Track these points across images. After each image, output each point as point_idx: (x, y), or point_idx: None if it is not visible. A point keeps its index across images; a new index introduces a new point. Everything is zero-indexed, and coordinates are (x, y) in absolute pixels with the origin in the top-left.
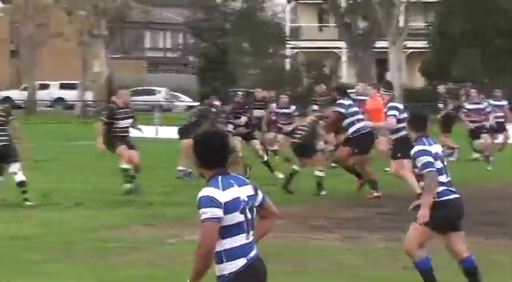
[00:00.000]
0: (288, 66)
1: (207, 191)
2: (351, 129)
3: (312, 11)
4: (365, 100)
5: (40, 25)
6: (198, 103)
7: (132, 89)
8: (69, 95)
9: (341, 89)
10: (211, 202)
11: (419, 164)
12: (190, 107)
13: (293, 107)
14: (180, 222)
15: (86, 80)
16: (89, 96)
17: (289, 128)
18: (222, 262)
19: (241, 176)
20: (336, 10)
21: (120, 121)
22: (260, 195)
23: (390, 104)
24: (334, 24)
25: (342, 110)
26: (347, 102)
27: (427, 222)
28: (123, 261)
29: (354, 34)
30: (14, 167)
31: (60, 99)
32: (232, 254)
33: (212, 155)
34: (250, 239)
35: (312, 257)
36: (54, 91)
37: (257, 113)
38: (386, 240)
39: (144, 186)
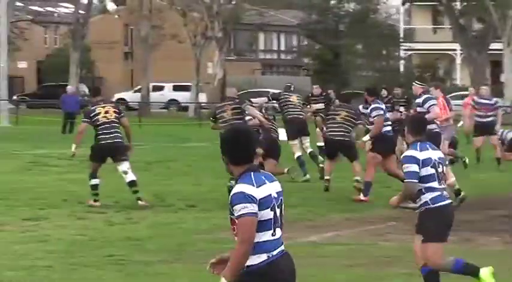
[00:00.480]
0: (402, 68)
1: (241, 187)
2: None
3: (426, 13)
4: (490, 103)
5: (154, 27)
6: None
7: (245, 91)
8: (183, 96)
9: (372, 91)
10: (248, 198)
11: (404, 170)
12: None
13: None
14: (292, 224)
15: (199, 81)
16: (203, 98)
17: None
18: None
19: (269, 173)
20: (451, 12)
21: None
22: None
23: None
24: (449, 26)
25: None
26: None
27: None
28: None
29: (468, 36)
30: (124, 166)
31: (173, 101)
32: (254, 249)
33: (242, 151)
34: (277, 236)
35: None
36: (168, 93)
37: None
38: (503, 242)
39: None
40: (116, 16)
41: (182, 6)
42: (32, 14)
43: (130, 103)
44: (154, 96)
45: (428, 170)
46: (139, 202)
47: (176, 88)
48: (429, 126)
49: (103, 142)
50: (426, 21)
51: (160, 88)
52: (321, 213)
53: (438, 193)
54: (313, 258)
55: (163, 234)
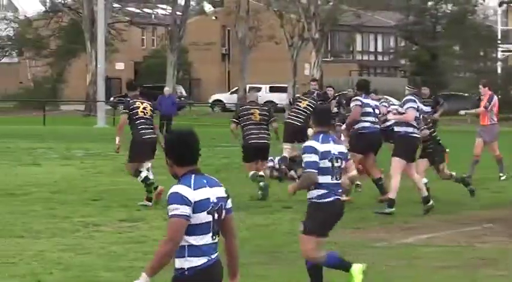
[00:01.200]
0: (499, 70)
1: (178, 188)
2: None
3: None
4: None
5: (251, 28)
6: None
7: (342, 92)
8: (279, 97)
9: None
10: (182, 199)
11: (303, 160)
12: None
13: None
14: (388, 226)
15: (296, 83)
16: None
17: None
18: (183, 256)
19: (214, 178)
20: None
21: None
22: (230, 203)
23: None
24: None
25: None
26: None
27: (312, 229)
28: None
29: None
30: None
31: (270, 102)
32: (195, 251)
33: (187, 152)
34: (216, 240)
35: None
36: (264, 94)
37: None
38: None
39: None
40: (213, 17)
41: (279, 7)
42: (129, 16)
43: (227, 104)
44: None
45: (326, 163)
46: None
47: (272, 89)
48: (406, 129)
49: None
50: None
51: (257, 89)
52: (416, 215)
53: (325, 191)
54: (409, 260)
55: (260, 236)
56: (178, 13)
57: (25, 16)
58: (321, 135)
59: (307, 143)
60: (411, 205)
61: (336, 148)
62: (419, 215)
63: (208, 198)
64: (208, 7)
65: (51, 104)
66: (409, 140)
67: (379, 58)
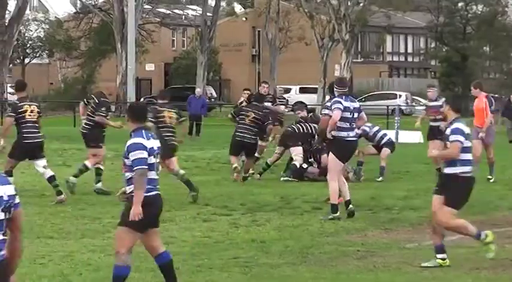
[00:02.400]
0: None
1: None
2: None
3: None
4: None
5: (281, 29)
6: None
7: (372, 93)
8: (309, 99)
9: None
10: None
11: (131, 158)
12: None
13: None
14: (417, 227)
15: (326, 84)
16: None
17: None
18: None
19: (3, 176)
20: None
21: None
22: (18, 199)
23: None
24: None
25: None
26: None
27: (132, 222)
28: (361, 266)
29: None
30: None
31: (300, 103)
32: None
33: None
34: (6, 237)
35: None
36: (294, 95)
37: None
38: None
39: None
40: (243, 19)
41: (309, 8)
42: (159, 17)
43: None
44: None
45: (151, 160)
46: (58, 197)
47: (302, 90)
48: (338, 133)
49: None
50: None
51: (287, 90)
52: None
53: (150, 185)
54: None
55: (289, 237)
56: (208, 14)
57: (56, 17)
58: (143, 131)
59: (135, 141)
60: None
61: (156, 143)
62: None
63: (2, 197)
64: (238, 8)
65: None
66: (344, 144)
67: (409, 59)
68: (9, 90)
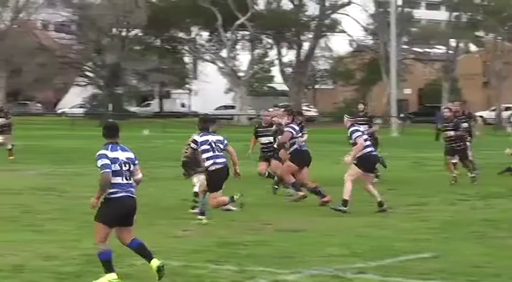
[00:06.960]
0: None
1: None
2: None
3: None
4: None
5: (506, 63)
6: None
7: None
8: None
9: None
10: None
11: (98, 164)
12: None
13: None
14: None
15: None
16: None
17: None
18: None
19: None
20: None
21: None
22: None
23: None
24: None
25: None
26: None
27: (102, 218)
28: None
29: None
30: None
31: None
32: None
33: None
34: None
35: None
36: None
37: None
38: None
39: None
40: (477, 55)
41: None
42: (414, 54)
43: (487, 119)
44: (505, 113)
45: (116, 167)
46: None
47: None
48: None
49: None
50: None
51: (509, 108)
52: None
53: (117, 189)
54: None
55: None
56: (450, 51)
57: (337, 55)
58: (110, 146)
59: (100, 152)
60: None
61: (123, 155)
62: None
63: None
64: (473, 47)
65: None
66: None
67: None
68: (304, 108)
